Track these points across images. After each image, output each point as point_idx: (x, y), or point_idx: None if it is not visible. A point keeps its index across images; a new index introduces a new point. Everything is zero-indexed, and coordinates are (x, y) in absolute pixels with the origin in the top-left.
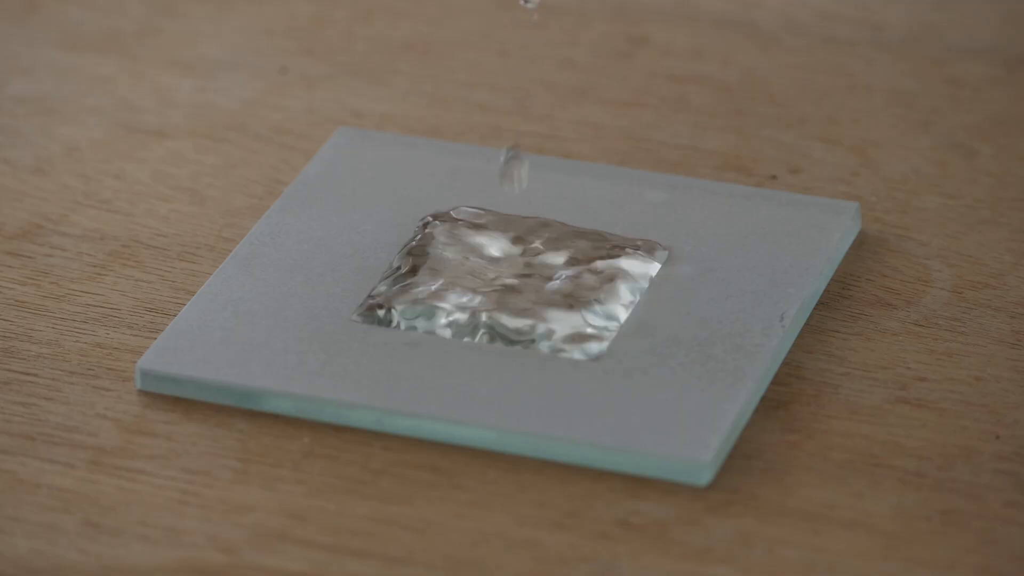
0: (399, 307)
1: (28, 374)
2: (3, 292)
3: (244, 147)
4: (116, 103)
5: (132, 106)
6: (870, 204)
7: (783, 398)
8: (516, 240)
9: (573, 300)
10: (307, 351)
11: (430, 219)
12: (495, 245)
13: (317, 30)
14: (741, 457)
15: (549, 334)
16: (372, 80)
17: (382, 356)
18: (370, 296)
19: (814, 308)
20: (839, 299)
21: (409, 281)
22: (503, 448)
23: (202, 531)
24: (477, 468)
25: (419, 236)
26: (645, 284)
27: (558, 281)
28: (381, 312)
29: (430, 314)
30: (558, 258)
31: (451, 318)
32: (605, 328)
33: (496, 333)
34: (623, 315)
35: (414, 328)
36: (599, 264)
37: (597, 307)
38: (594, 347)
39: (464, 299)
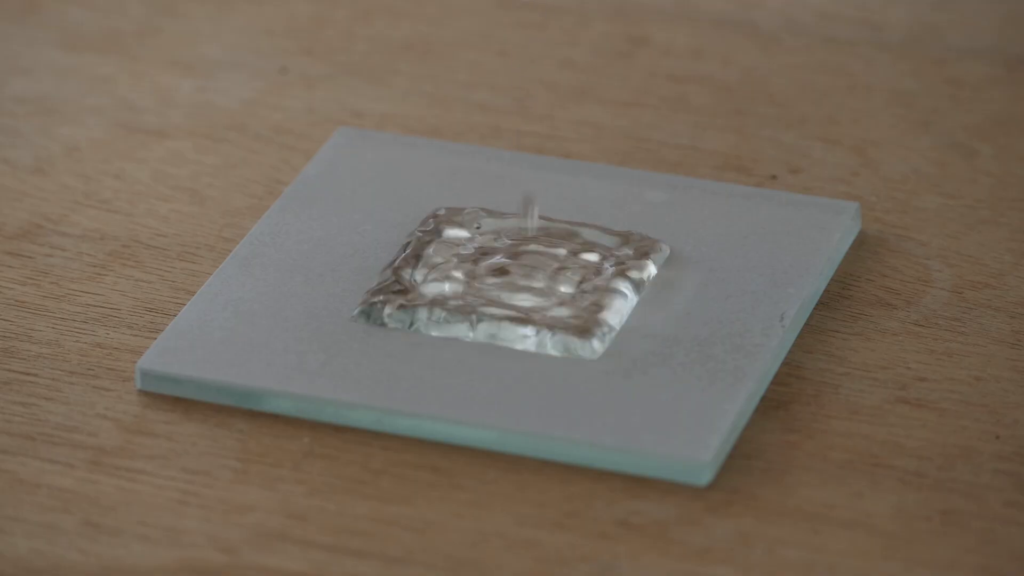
0: (397, 308)
1: (28, 374)
2: (3, 292)
3: (244, 147)
4: (116, 103)
5: (132, 106)
6: (870, 204)
7: (783, 398)
8: (515, 240)
9: (571, 299)
10: (307, 351)
11: (430, 219)
12: (495, 245)
13: (317, 30)
14: (741, 457)
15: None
16: (372, 80)
17: (382, 356)
18: (369, 296)
19: (814, 308)
20: (839, 299)
21: (407, 281)
22: (503, 448)
23: (202, 531)
24: (477, 468)
25: (419, 236)
26: (645, 284)
27: (558, 280)
28: (380, 313)
29: (427, 314)
30: (558, 258)
31: (445, 311)
32: (605, 328)
33: (491, 316)
34: (623, 315)
35: (413, 328)
36: (599, 264)
37: (596, 307)
38: (593, 347)
39: (460, 300)
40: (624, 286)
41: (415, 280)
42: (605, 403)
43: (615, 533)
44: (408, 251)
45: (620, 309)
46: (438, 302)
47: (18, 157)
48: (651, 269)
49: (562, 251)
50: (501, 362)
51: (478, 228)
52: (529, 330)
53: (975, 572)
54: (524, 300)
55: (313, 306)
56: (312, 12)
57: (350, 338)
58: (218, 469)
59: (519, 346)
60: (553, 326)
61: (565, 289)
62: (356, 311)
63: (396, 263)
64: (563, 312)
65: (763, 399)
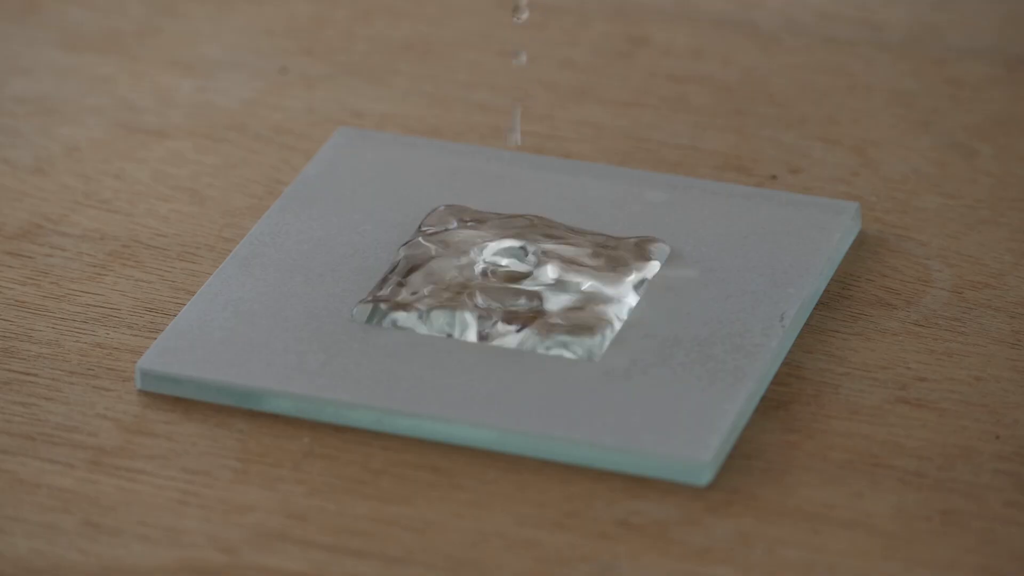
0: (396, 308)
1: (28, 374)
2: (3, 292)
3: (244, 147)
4: (116, 103)
5: (132, 106)
6: (870, 204)
7: (783, 398)
8: (515, 240)
9: (571, 300)
10: (307, 351)
11: (430, 219)
12: (494, 245)
13: (317, 30)
14: (741, 457)
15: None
16: (372, 80)
17: (382, 356)
18: (368, 297)
19: (814, 308)
20: (839, 299)
21: (405, 282)
22: (503, 448)
23: (202, 531)
24: (477, 468)
25: (418, 236)
26: (645, 284)
27: (558, 280)
28: (379, 313)
29: (426, 315)
30: (557, 258)
31: (445, 311)
32: (605, 328)
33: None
34: (623, 315)
35: (413, 329)
36: (599, 264)
37: (596, 307)
38: (594, 347)
39: (457, 300)
40: (624, 286)
41: (415, 280)
42: (605, 403)
43: (615, 533)
44: (406, 251)
45: (620, 309)
46: (438, 302)
47: (18, 157)
48: (651, 269)
49: (562, 251)
50: (501, 362)
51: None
52: (529, 330)
53: (975, 572)
54: (524, 300)
55: (313, 306)
56: (312, 12)
57: (350, 338)
58: (218, 469)
59: (519, 346)
60: (553, 326)
61: (565, 289)
62: (356, 311)
63: (393, 264)
64: (563, 312)
65: (763, 399)
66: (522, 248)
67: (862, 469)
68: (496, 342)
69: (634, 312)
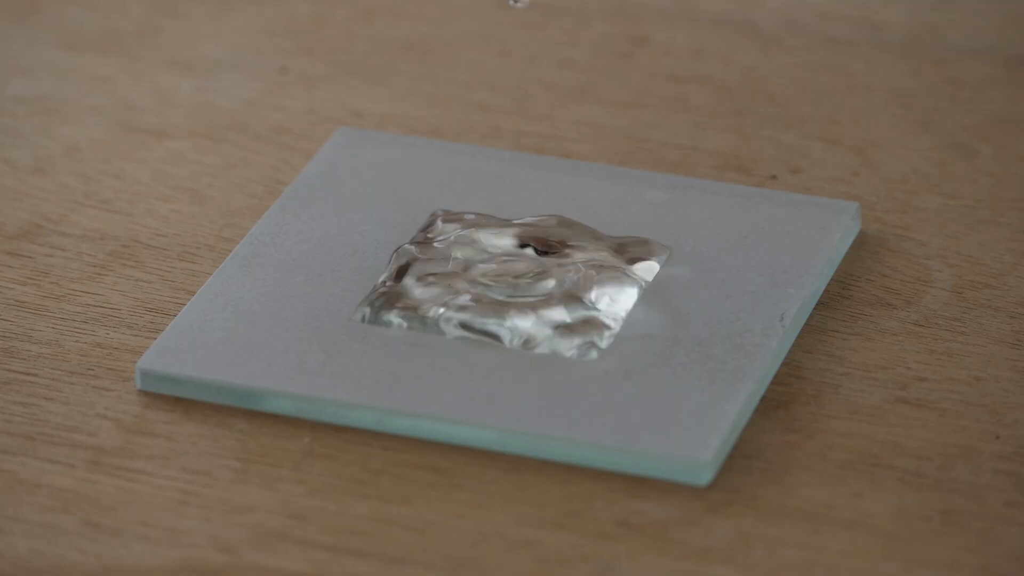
0: (394, 309)
1: (28, 374)
2: (3, 292)
3: (244, 147)
4: (116, 103)
5: (132, 106)
6: (870, 204)
7: (783, 398)
8: (514, 240)
9: (571, 300)
10: (307, 351)
11: (429, 219)
12: (493, 245)
13: (317, 30)
14: (741, 457)
15: (547, 332)
16: (372, 80)
17: (382, 356)
18: (368, 297)
19: (814, 308)
20: (839, 299)
21: (405, 282)
22: (503, 448)
23: (202, 531)
24: (477, 468)
25: (417, 237)
26: (645, 284)
27: (558, 280)
28: (377, 313)
29: (423, 318)
30: (557, 258)
31: (441, 315)
32: (604, 328)
33: (483, 331)
34: (623, 315)
35: (411, 329)
36: (599, 264)
37: (596, 308)
38: (593, 347)
39: (457, 300)
40: (624, 286)
41: (415, 280)
42: (605, 403)
43: (615, 533)
44: (406, 252)
45: (620, 309)
46: (437, 302)
47: (18, 157)
48: (651, 269)
49: (562, 251)
50: (501, 362)
51: None
52: (529, 330)
53: (975, 572)
54: (524, 300)
55: (313, 306)
56: (312, 12)
57: (350, 338)
58: (218, 469)
59: (519, 346)
60: (553, 326)
61: (565, 289)
62: (356, 311)
63: (392, 264)
64: (563, 312)
65: (763, 399)
66: (522, 247)
67: (862, 469)
68: (496, 342)
69: (634, 312)
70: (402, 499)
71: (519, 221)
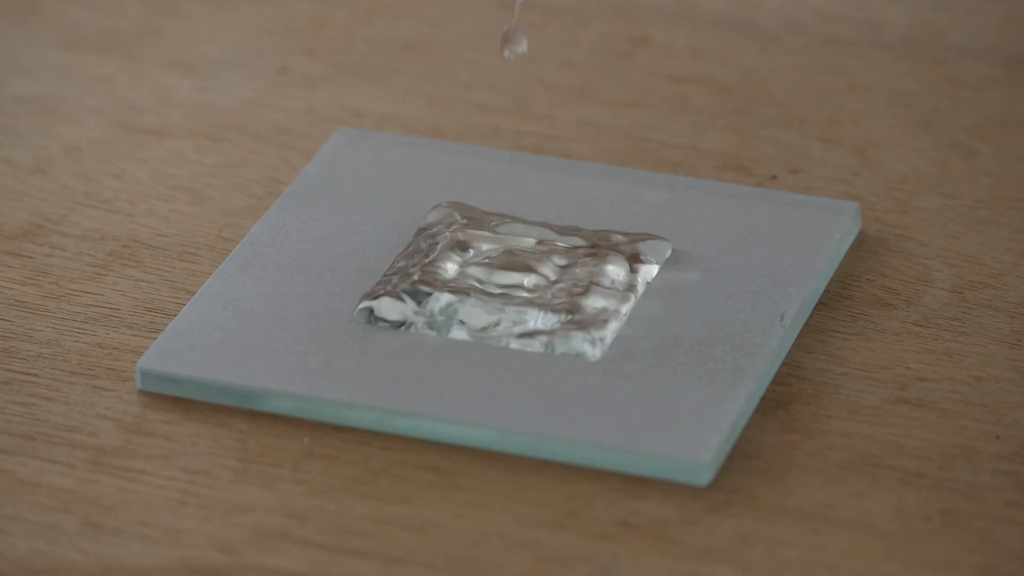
0: (393, 309)
1: (28, 374)
2: (3, 292)
3: (244, 147)
4: (116, 103)
5: (132, 106)
6: (870, 204)
7: (783, 398)
8: (514, 240)
9: (572, 299)
10: (307, 351)
11: (429, 219)
12: (493, 245)
13: (317, 30)
14: (741, 457)
15: (546, 333)
16: (372, 80)
17: (382, 356)
18: (368, 297)
19: (814, 308)
20: (839, 299)
21: (405, 283)
22: (503, 448)
23: (202, 531)
24: (477, 468)
25: (416, 237)
26: (645, 284)
27: (558, 280)
28: (376, 314)
29: (425, 314)
30: (557, 258)
31: (445, 311)
32: (605, 328)
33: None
34: (623, 315)
35: (412, 329)
36: (599, 264)
37: (596, 308)
38: (594, 347)
39: (457, 300)
40: (624, 286)
41: (415, 280)
42: (605, 403)
43: (615, 533)
44: (405, 252)
45: (620, 309)
46: (437, 302)
47: (18, 157)
48: (651, 269)
49: (562, 251)
50: (501, 362)
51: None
52: (529, 330)
53: (975, 572)
54: (524, 300)
55: (313, 306)
56: (312, 12)
57: (350, 338)
58: (218, 469)
59: (519, 346)
60: (553, 326)
61: (565, 289)
62: (356, 311)
63: (394, 264)
64: (563, 312)
65: (763, 399)
66: (521, 246)
67: (862, 469)
68: (496, 342)
69: (634, 312)
70: (402, 499)
71: (518, 220)
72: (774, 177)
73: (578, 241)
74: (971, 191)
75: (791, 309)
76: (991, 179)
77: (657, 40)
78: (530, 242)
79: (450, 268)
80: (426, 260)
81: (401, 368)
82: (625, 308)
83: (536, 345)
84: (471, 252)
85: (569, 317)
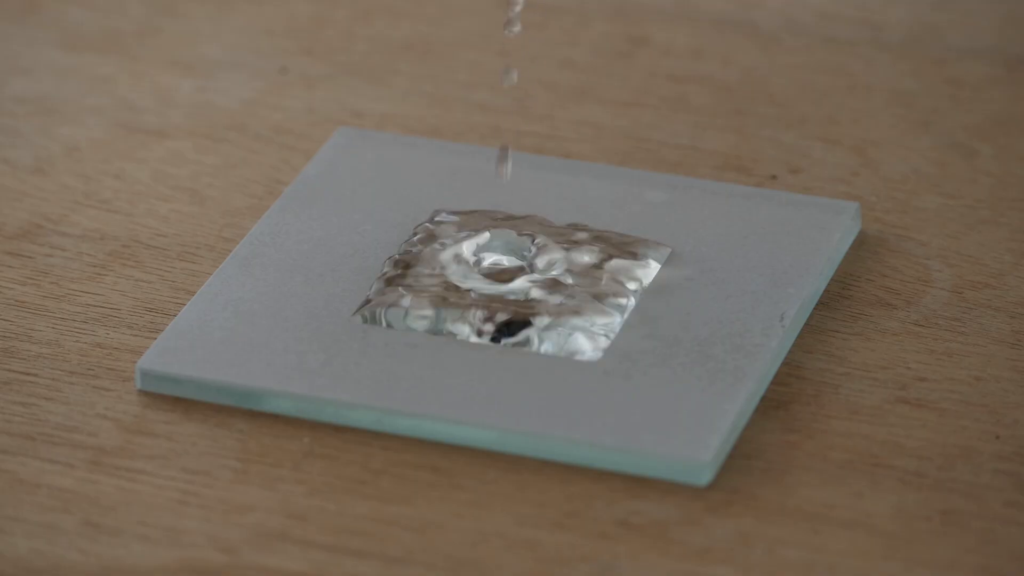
0: (391, 310)
1: (28, 374)
2: (3, 292)
3: (244, 147)
4: (116, 103)
5: (132, 106)
6: (870, 204)
7: (783, 398)
8: (514, 240)
9: (572, 299)
10: (307, 351)
11: (428, 219)
12: (491, 243)
13: (317, 30)
14: (741, 457)
15: (546, 333)
16: (372, 80)
17: (382, 356)
18: (367, 297)
19: (814, 308)
20: (839, 299)
21: (402, 283)
22: (503, 448)
23: (202, 531)
24: (477, 468)
25: (416, 237)
26: (645, 284)
27: (557, 280)
28: (375, 314)
29: (425, 315)
30: (557, 258)
31: (445, 311)
32: (605, 328)
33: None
34: (623, 315)
35: (412, 328)
36: (598, 264)
37: (597, 307)
38: (594, 347)
39: (459, 300)
40: (624, 286)
41: (414, 280)
42: (605, 403)
43: (615, 533)
44: (404, 252)
45: (620, 309)
46: (437, 302)
47: (18, 157)
48: (651, 269)
49: (562, 251)
50: (501, 362)
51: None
52: (529, 330)
53: (975, 572)
54: (524, 300)
55: (313, 306)
56: (312, 12)
57: (350, 338)
58: (218, 469)
59: (519, 346)
60: (553, 326)
61: (565, 289)
62: (356, 311)
63: (390, 264)
64: (563, 312)
65: (763, 399)
66: (519, 246)
67: (862, 469)
68: (496, 342)
69: (634, 312)
70: (402, 499)
71: (518, 220)
72: (774, 177)
73: (578, 241)
74: (971, 191)
75: (791, 309)
76: (991, 179)
77: (657, 40)
78: (529, 242)
79: (450, 268)
80: (425, 260)
81: (401, 368)
82: (625, 308)
83: (536, 345)
84: (470, 252)
85: (569, 317)
